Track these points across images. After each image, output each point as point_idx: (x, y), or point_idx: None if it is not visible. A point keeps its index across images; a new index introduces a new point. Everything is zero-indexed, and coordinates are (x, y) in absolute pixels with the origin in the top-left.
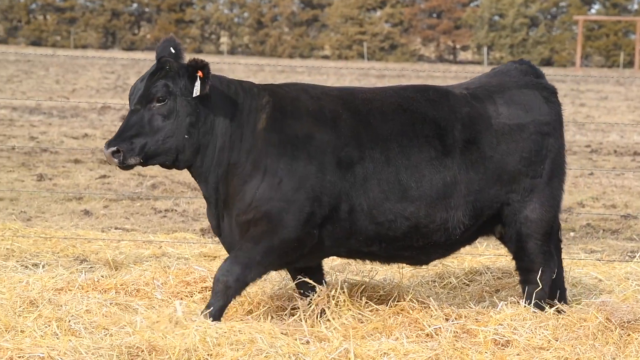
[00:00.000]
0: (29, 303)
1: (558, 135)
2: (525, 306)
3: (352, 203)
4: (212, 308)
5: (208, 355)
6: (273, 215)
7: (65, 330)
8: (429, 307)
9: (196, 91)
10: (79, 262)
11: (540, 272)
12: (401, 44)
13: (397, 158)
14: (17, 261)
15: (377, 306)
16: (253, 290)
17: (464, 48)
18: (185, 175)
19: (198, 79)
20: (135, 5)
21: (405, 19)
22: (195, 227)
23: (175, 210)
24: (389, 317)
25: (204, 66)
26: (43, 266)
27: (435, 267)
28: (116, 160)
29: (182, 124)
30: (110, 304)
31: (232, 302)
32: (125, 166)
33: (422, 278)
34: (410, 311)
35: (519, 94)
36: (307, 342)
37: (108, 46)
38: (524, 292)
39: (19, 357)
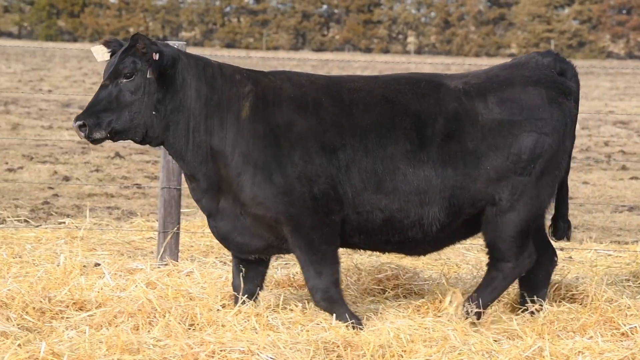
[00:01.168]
0: (229, 298)
1: (558, 137)
2: None
3: (342, 188)
4: (341, 320)
5: (402, 351)
6: (284, 214)
7: (263, 325)
8: (624, 306)
9: (153, 72)
10: (275, 258)
11: (511, 264)
12: (589, 41)
13: (375, 149)
14: (216, 257)
15: (569, 305)
16: (444, 288)
17: None
18: None
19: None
20: (325, 6)
21: (594, 15)
22: None
23: None
24: (583, 315)
25: (137, 39)
26: None
27: (629, 265)
28: (82, 133)
29: (150, 100)
30: (306, 299)
31: (423, 300)
32: (91, 140)
33: (616, 277)
34: (605, 310)
35: (520, 92)
36: (500, 340)
37: (298, 47)
38: (487, 274)
39: (221, 350)
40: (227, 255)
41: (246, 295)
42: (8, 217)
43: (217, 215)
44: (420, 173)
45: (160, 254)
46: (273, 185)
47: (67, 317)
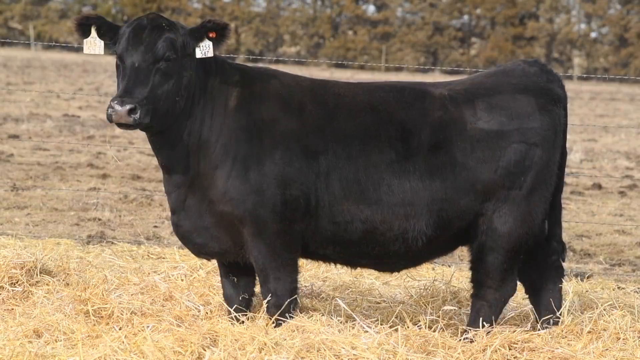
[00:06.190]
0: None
1: (549, 147)
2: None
3: (317, 196)
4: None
5: None
6: (251, 213)
7: None
8: None
9: (204, 52)
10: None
11: (494, 289)
12: None
13: (358, 156)
14: None
15: None
16: None
17: None
18: None
19: (207, 39)
20: (465, 16)
21: None
22: None
23: None
24: None
25: (224, 27)
26: None
27: None
28: (131, 119)
29: (180, 85)
30: None
31: None
32: (141, 126)
33: None
34: None
35: (509, 99)
36: None
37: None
38: (472, 306)
39: None
40: None
41: (243, 305)
42: None
43: (181, 212)
44: (406, 184)
45: None
46: (247, 182)
47: None
